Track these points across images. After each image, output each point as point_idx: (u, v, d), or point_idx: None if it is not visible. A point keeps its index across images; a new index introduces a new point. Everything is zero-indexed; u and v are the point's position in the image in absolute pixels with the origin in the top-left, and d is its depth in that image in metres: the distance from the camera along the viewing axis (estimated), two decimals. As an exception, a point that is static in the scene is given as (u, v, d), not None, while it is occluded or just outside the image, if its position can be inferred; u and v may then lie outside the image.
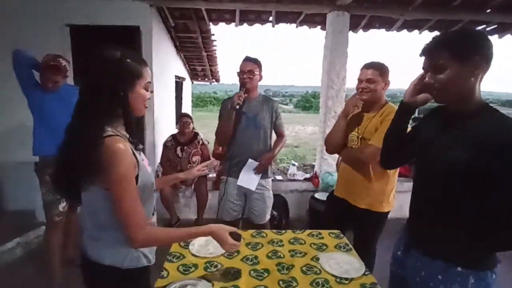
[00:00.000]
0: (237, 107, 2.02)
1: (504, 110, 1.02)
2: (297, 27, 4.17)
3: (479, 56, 0.93)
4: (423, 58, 1.03)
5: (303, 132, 17.30)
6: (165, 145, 3.24)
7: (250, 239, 1.55)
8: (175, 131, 3.45)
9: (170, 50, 4.59)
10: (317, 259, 1.37)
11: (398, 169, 1.87)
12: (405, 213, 1.20)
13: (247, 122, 2.12)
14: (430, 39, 1.01)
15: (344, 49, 3.44)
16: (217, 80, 6.87)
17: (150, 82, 1.03)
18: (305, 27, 4.20)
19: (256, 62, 2.12)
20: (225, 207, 2.23)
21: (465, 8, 3.51)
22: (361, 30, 4.19)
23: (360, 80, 1.80)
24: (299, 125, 21.28)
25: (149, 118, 3.42)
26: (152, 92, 1.08)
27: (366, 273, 1.26)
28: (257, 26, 4.15)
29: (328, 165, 3.64)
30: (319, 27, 4.08)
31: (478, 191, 0.94)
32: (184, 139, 3.23)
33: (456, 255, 0.99)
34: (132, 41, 3.29)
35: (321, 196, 3.33)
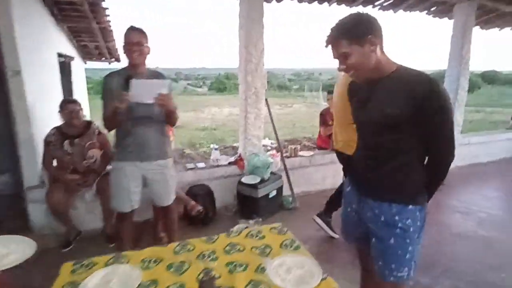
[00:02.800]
0: (121, 112, 1.76)
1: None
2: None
3: (372, 35, 1.08)
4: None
5: (220, 114, 17.04)
6: (46, 142, 2.46)
7: (172, 258, 1.16)
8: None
9: (45, 20, 3.57)
10: (263, 269, 1.09)
11: None
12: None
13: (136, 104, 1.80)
14: (329, 29, 1.14)
15: (260, 18, 3.15)
16: (117, 60, 5.86)
17: None
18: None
19: (143, 32, 1.88)
20: (121, 197, 2.02)
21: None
22: (274, 1, 3.98)
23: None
24: (215, 107, 20.91)
25: (20, 106, 2.56)
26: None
27: (324, 276, 1.04)
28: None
29: (253, 146, 3.41)
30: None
31: (409, 135, 1.13)
32: (73, 131, 2.52)
33: (405, 196, 1.19)
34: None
35: (249, 179, 3.09)
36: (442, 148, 1.15)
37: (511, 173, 4.74)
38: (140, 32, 1.86)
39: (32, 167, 2.72)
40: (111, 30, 4.53)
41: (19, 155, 2.69)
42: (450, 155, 1.16)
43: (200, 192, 3.06)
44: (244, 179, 3.09)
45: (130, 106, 1.76)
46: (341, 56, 1.13)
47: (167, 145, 2.09)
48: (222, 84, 40.91)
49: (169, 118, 1.98)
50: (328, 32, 1.14)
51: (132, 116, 1.87)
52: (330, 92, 3.89)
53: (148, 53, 1.92)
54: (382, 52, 1.14)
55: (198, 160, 3.64)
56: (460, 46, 4.40)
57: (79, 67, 5.74)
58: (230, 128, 11.10)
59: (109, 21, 4.13)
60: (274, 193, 3.18)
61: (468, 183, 4.24)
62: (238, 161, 3.37)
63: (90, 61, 6.04)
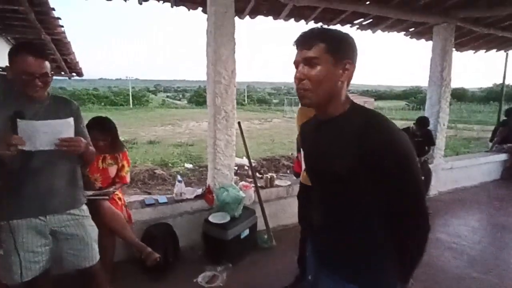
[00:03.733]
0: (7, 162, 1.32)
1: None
2: (172, 6, 3.34)
3: (350, 61, 0.93)
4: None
5: (198, 129, 16.61)
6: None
7: None
8: None
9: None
10: None
11: None
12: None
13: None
14: (309, 29, 0.95)
15: (231, 35, 2.82)
16: (79, 74, 5.33)
17: None
18: (183, 8, 3.42)
19: (47, 57, 1.44)
20: (21, 264, 1.46)
21: (348, -2, 3.41)
22: (248, 17, 3.69)
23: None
24: (193, 121, 20.42)
25: None
26: None
27: None
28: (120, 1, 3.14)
29: (223, 177, 3.01)
30: (200, 8, 3.37)
31: (366, 195, 0.92)
32: None
33: (366, 274, 0.96)
34: None
35: (217, 218, 2.67)
36: (407, 212, 0.90)
37: (494, 199, 4.60)
38: (45, 57, 1.42)
39: None
40: (68, 42, 4.05)
41: None
42: (419, 220, 0.92)
43: (159, 234, 2.61)
44: (212, 218, 2.67)
45: (24, 151, 1.32)
46: (307, 61, 0.92)
47: (80, 190, 1.67)
48: (201, 97, 40.73)
49: (81, 159, 1.58)
50: (305, 31, 0.94)
51: (28, 163, 1.41)
52: None
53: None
54: (347, 86, 0.96)
55: (158, 192, 3.19)
56: (440, 68, 4.29)
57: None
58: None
59: (63, 32, 3.66)
60: (246, 232, 2.78)
61: (453, 212, 4.02)
62: (206, 195, 2.95)
63: (47, 75, 5.47)
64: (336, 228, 1.01)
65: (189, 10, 3.43)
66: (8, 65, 1.39)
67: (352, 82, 0.98)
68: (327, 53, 0.90)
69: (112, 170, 2.50)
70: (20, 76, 1.36)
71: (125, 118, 20.96)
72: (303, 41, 0.93)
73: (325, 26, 1.02)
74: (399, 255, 0.95)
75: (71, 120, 1.44)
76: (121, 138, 2.65)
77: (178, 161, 8.46)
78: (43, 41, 3.27)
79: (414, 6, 3.75)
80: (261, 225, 3.05)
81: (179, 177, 2.97)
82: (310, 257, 1.14)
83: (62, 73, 5.26)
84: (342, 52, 0.92)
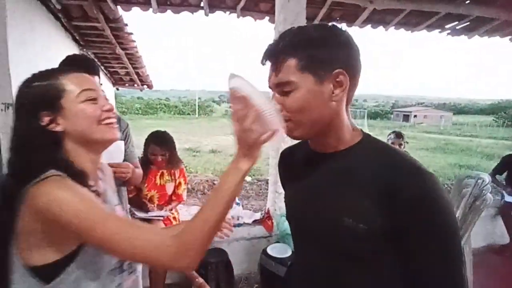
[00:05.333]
0: None
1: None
2: (238, 17, 3.21)
3: (342, 69, 0.63)
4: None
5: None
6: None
7: None
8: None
9: (63, 45, 3.29)
10: None
11: None
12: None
13: None
14: (276, 39, 0.67)
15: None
16: (149, 86, 5.60)
17: (92, 89, 0.75)
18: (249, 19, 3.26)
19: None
20: None
21: (442, -2, 2.86)
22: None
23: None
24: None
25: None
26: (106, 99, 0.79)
27: None
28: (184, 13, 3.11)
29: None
30: (267, 18, 3.18)
31: (371, 263, 0.65)
32: None
33: None
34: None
35: (276, 250, 2.34)
36: None
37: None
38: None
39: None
40: (140, 56, 4.22)
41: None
42: None
43: (212, 260, 2.38)
44: (270, 250, 2.35)
45: None
46: (281, 87, 0.66)
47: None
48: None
49: (126, 182, 1.40)
50: (272, 42, 0.68)
51: None
52: (399, 136, 3.00)
53: None
54: (347, 105, 0.70)
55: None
56: None
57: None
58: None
59: (136, 47, 3.81)
60: (309, 270, 2.39)
61: None
62: (265, 220, 2.66)
63: (122, 87, 5.87)
64: None
65: (255, 20, 3.27)
66: None
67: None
68: (302, 71, 0.63)
69: (170, 187, 2.38)
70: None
71: (191, 127, 22.13)
72: (270, 60, 0.67)
73: (299, 25, 0.69)
74: None
75: (121, 144, 1.30)
76: (186, 146, 2.55)
77: (196, 171, 8.40)
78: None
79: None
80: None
81: (237, 200, 2.73)
82: None
83: (135, 85, 5.59)
84: (327, 61, 0.64)
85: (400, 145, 2.85)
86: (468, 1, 2.99)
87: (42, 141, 0.70)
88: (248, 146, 0.65)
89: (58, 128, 0.72)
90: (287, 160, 0.89)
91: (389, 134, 2.99)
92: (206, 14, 3.12)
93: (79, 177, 0.70)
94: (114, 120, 0.78)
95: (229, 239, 2.60)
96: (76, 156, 0.74)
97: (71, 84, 0.73)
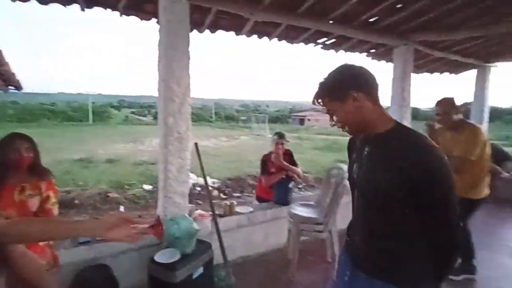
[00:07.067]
0: None
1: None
2: (121, 15, 3.02)
3: (354, 90, 1.03)
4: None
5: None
6: None
7: None
8: None
9: None
10: None
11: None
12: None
13: None
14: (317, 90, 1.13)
15: (185, 48, 2.55)
16: (18, 88, 4.71)
17: None
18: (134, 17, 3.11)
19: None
20: None
21: (310, 15, 3.30)
22: (208, 31, 3.46)
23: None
24: (157, 138, 19.51)
25: None
26: None
27: None
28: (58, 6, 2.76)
29: (175, 206, 2.64)
30: (154, 20, 3.08)
31: (404, 212, 1.00)
32: None
33: (402, 276, 1.02)
34: None
35: (164, 257, 2.28)
36: (443, 238, 1.00)
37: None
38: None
39: None
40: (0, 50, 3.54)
41: None
42: (453, 247, 1.02)
43: (94, 279, 2.17)
44: (158, 257, 2.28)
45: None
46: (329, 113, 1.12)
47: None
48: (167, 113, 39.66)
49: None
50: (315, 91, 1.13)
51: None
52: (282, 137, 3.36)
53: None
54: (376, 104, 1.08)
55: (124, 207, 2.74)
56: (401, 89, 4.32)
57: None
58: (169, 164, 10.08)
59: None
60: (200, 270, 2.41)
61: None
62: (155, 227, 2.55)
63: (-22, 87, 4.79)
64: (375, 235, 1.08)
65: (141, 20, 3.14)
66: None
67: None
68: (333, 101, 1.08)
69: (33, 203, 2.04)
70: None
71: (82, 135, 19.63)
72: (316, 98, 1.13)
73: (323, 79, 1.12)
74: (433, 264, 1.02)
75: None
76: (75, 156, 2.24)
77: (136, 182, 7.85)
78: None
79: (376, 27, 3.76)
80: (219, 258, 2.70)
81: (121, 208, 2.56)
82: (345, 259, 1.22)
83: (-3, 85, 4.63)
84: (343, 91, 1.05)
85: (282, 144, 3.26)
86: (331, 22, 3.54)
87: None
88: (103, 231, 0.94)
89: None
90: (350, 144, 1.28)
91: (274, 135, 3.38)
92: (82, 9, 2.85)
93: None
94: None
95: (114, 252, 2.43)
96: None
97: None
